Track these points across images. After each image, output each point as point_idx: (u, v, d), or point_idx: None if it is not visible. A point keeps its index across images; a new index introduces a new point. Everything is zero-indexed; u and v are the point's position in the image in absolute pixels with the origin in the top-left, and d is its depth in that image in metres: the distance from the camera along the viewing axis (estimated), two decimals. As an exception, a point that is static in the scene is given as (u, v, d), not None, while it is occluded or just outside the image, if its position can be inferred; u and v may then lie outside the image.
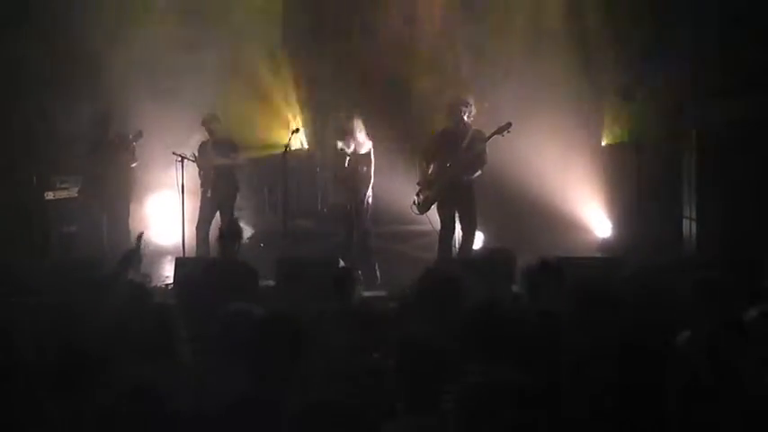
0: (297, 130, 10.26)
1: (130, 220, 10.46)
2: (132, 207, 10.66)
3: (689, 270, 6.43)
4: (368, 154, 9.82)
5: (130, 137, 10.37)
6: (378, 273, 9.46)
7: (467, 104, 9.19)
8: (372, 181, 9.85)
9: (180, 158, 10.02)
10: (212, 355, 4.51)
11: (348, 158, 9.76)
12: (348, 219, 9.85)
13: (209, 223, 10.36)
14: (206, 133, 10.52)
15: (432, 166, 9.30)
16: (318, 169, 11.81)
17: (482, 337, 3.94)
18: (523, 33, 11.17)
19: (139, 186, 10.89)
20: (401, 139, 11.06)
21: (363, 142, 9.78)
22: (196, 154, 10.34)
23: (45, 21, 11.04)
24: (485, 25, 11.37)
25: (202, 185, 10.45)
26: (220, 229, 7.63)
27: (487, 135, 9.03)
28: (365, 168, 9.80)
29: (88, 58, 11.10)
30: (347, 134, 9.76)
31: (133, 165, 10.51)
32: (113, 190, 10.36)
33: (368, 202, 9.83)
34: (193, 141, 10.65)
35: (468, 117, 9.18)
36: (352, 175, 9.79)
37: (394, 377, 3.64)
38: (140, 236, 7.14)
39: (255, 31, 11.74)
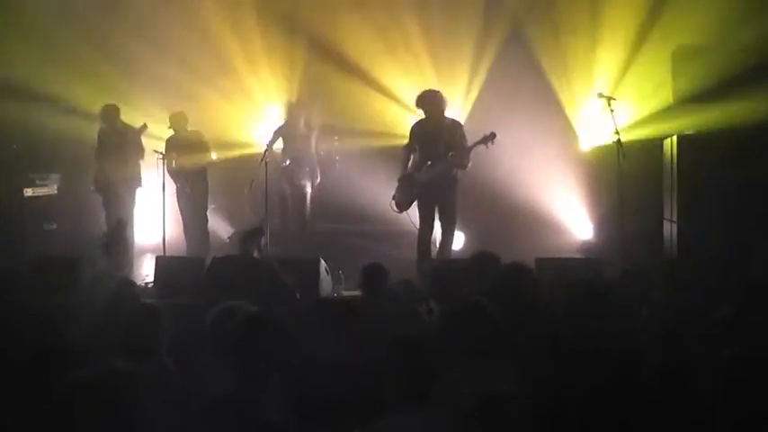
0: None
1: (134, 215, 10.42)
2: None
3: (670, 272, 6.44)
4: (308, 144, 10.12)
5: (137, 129, 10.29)
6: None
7: (440, 97, 9.13)
8: (316, 173, 10.20)
9: (161, 156, 9.97)
10: (200, 353, 4.50)
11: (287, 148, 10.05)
12: (282, 209, 10.10)
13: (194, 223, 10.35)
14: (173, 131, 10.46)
15: (411, 162, 9.25)
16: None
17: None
18: (504, 33, 11.17)
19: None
20: (379, 138, 11.05)
21: (305, 130, 10.00)
22: (163, 152, 10.24)
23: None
24: (465, 28, 11.36)
25: (177, 185, 10.40)
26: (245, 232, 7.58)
27: (471, 144, 8.97)
28: (307, 158, 10.08)
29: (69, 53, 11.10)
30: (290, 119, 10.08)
31: (141, 160, 10.44)
32: (120, 185, 10.28)
33: (308, 194, 10.21)
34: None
35: (442, 110, 9.12)
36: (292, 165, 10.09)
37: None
38: (120, 222, 7.06)
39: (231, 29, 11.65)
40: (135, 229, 10.44)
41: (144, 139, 10.41)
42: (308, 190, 10.40)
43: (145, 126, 10.30)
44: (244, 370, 3.67)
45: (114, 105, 10.44)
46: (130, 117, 10.50)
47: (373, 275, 6.00)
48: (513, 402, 3.16)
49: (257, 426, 3.10)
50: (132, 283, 6.15)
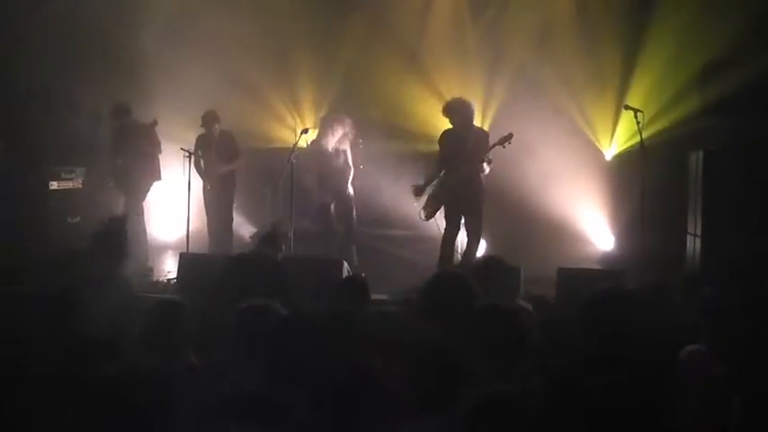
0: (306, 131, 10.16)
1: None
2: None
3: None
4: (346, 152, 10.06)
5: (148, 124, 10.31)
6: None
7: (468, 106, 9.19)
8: (352, 177, 10.13)
9: (188, 154, 9.99)
10: (226, 351, 4.50)
11: (327, 156, 9.97)
12: (327, 216, 10.09)
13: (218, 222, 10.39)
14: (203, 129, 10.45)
15: (440, 170, 9.29)
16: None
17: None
18: (531, 43, 11.16)
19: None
20: (405, 144, 11.07)
21: (342, 141, 10.03)
22: (191, 149, 10.18)
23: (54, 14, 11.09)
24: (492, 35, 11.36)
25: (204, 183, 10.46)
26: (266, 234, 7.54)
27: (489, 146, 9.03)
28: (345, 166, 10.05)
29: (98, 49, 11.16)
30: (328, 133, 10.00)
31: (160, 154, 10.45)
32: (138, 179, 10.32)
33: (350, 199, 10.10)
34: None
35: (470, 118, 9.18)
36: (333, 172, 10.02)
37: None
38: (122, 218, 6.85)
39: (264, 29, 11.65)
40: (154, 224, 10.51)
41: (160, 135, 10.45)
42: (351, 193, 10.34)
43: (155, 121, 10.31)
44: (275, 369, 3.68)
45: (125, 104, 10.48)
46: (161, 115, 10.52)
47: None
48: (521, 403, 3.15)
49: (285, 426, 3.10)
50: (125, 279, 6.14)
